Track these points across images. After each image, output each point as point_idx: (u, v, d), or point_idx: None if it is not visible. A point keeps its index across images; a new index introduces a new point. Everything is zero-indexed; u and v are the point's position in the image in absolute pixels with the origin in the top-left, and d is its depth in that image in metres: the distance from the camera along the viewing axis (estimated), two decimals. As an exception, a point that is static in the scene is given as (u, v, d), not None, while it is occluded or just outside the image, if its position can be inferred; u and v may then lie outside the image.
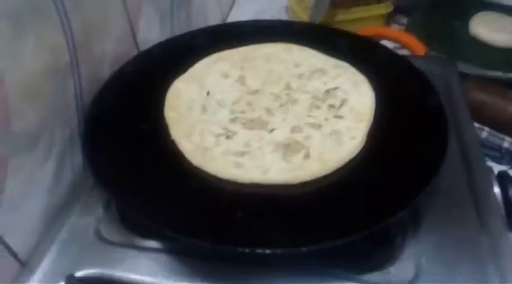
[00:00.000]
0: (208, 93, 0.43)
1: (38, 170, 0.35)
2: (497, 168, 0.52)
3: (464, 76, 0.57)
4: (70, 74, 0.38)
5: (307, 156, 0.36)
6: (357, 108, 0.40)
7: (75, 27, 0.38)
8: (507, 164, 0.54)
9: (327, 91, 0.42)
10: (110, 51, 0.44)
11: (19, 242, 0.34)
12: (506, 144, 0.54)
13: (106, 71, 0.44)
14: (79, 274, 0.32)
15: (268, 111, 0.41)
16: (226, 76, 0.45)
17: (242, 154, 0.36)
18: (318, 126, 0.39)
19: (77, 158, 0.40)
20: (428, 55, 0.60)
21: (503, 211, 0.36)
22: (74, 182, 0.40)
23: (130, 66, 0.45)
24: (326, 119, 0.39)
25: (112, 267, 0.33)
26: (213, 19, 0.75)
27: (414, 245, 0.34)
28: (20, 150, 0.33)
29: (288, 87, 0.43)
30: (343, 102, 0.41)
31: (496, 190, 0.38)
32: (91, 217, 0.36)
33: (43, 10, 0.34)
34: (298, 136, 0.38)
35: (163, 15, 0.56)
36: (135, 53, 0.49)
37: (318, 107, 0.41)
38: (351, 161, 0.36)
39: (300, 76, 0.44)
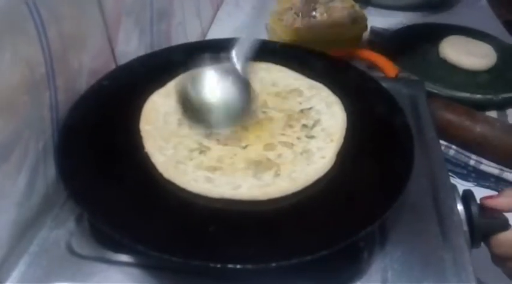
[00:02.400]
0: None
1: (9, 183, 0.35)
2: (463, 184, 0.54)
3: (433, 97, 0.60)
4: (46, 87, 0.38)
5: (277, 173, 0.37)
6: (328, 128, 0.41)
7: (52, 39, 0.38)
8: (473, 181, 0.56)
9: (302, 111, 0.44)
10: (87, 64, 0.45)
11: (-13, 256, 0.33)
12: (472, 162, 0.56)
13: (83, 84, 0.44)
14: (48, 288, 0.32)
15: (244, 127, 0.42)
16: None
17: (214, 169, 0.37)
18: (291, 145, 0.40)
19: (50, 170, 0.40)
20: (399, 76, 0.62)
21: (466, 227, 0.38)
22: (47, 194, 0.39)
23: (108, 79, 0.45)
24: (298, 138, 0.41)
25: (83, 281, 0.33)
26: (193, 35, 0.75)
27: (381, 260, 0.35)
28: (-9, 162, 0.33)
29: (264, 105, 0.45)
30: (316, 122, 0.42)
31: (460, 207, 0.39)
32: (63, 230, 0.36)
33: (19, 22, 0.34)
34: (271, 154, 0.39)
35: (143, 29, 0.56)
36: (113, 66, 0.49)
37: (291, 126, 0.42)
38: (320, 179, 0.37)
39: (276, 95, 0.46)
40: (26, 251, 0.35)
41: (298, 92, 0.46)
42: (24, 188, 0.37)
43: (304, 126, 0.42)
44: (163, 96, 0.44)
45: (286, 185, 0.36)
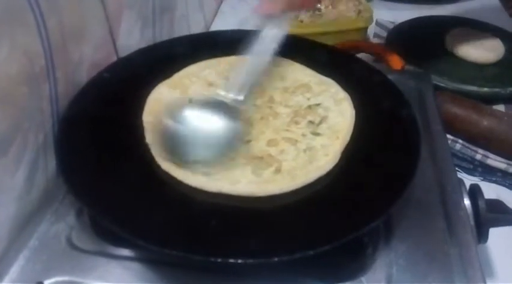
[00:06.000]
0: (190, 100, 0.43)
1: (8, 177, 0.35)
2: (469, 179, 0.53)
3: (439, 90, 0.59)
4: (45, 79, 0.38)
5: (278, 170, 0.36)
6: (335, 125, 0.40)
7: (51, 30, 0.37)
8: (479, 176, 0.55)
9: (309, 107, 0.43)
10: (87, 57, 0.44)
11: (-13, 249, 0.33)
12: (478, 157, 0.55)
13: (83, 77, 0.43)
14: (48, 281, 0.32)
15: (248, 122, 0.41)
16: (210, 84, 0.45)
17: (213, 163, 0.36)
18: (294, 141, 0.39)
19: (50, 164, 0.40)
20: (404, 69, 0.61)
21: (472, 222, 0.37)
22: (47, 189, 0.39)
23: (109, 72, 0.44)
24: (303, 135, 0.40)
25: (83, 275, 0.33)
26: (197, 27, 0.75)
27: (386, 255, 0.34)
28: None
29: (271, 100, 0.44)
30: (323, 119, 0.41)
31: (467, 202, 0.39)
32: (63, 225, 0.36)
33: (18, 13, 0.34)
34: (273, 150, 0.38)
35: (145, 22, 0.56)
36: (114, 59, 0.49)
37: (297, 122, 0.41)
38: (323, 177, 0.36)
39: (284, 90, 0.45)
40: (25, 245, 0.34)
41: (306, 87, 0.45)
42: (24, 182, 0.36)
43: (311, 122, 0.41)
44: (168, 87, 0.44)
45: (285, 182, 0.35)
